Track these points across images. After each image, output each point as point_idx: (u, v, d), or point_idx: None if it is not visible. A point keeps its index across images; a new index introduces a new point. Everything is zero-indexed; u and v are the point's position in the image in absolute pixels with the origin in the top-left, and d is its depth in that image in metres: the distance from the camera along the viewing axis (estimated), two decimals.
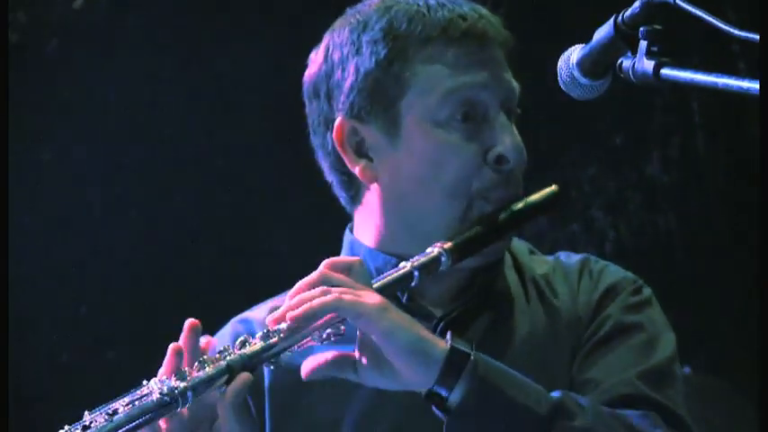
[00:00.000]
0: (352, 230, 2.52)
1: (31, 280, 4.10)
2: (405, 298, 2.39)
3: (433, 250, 2.31)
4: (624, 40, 2.04)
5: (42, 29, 4.18)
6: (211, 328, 2.48)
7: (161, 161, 4.23)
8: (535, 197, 2.44)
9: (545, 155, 4.48)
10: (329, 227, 2.61)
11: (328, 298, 2.12)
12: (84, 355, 4.05)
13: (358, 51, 2.41)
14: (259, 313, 2.47)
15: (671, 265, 4.60)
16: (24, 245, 4.05)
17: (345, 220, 2.56)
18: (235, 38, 4.24)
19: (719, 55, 4.36)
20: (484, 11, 2.44)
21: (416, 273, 2.27)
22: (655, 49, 1.99)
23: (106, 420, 2.02)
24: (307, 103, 2.52)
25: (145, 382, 2.09)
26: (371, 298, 2.14)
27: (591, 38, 2.11)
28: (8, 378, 2.72)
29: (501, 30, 2.44)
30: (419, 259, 2.29)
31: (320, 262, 2.21)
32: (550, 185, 2.47)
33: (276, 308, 2.18)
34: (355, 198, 2.48)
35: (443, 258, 2.30)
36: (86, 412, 2.04)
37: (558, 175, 4.52)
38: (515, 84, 2.44)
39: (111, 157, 4.20)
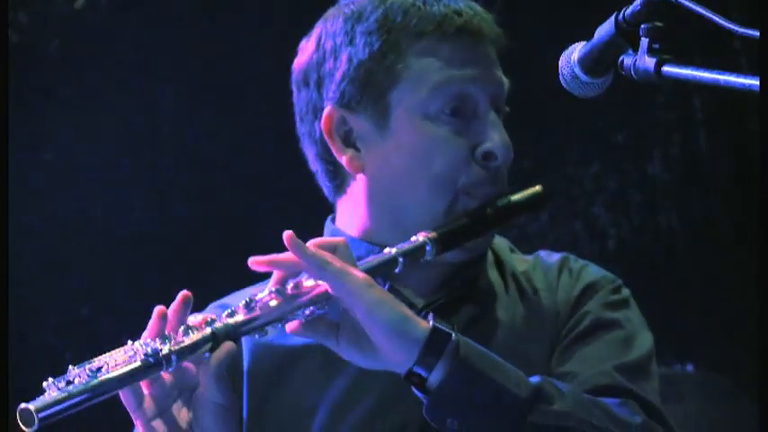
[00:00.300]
0: (333, 220, 2.52)
1: (33, 280, 4.09)
2: (386, 287, 2.39)
3: (419, 238, 2.31)
4: (625, 38, 2.04)
5: (43, 29, 4.18)
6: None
7: (161, 161, 4.23)
8: (519, 196, 2.45)
9: (547, 153, 4.48)
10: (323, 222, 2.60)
11: (318, 253, 2.13)
12: (86, 355, 4.05)
13: (351, 41, 2.42)
14: (237, 299, 2.47)
15: (673, 263, 4.60)
16: (25, 245, 4.05)
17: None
18: (235, 37, 4.24)
19: (721, 52, 4.36)
20: (479, 8, 2.46)
21: (401, 259, 2.27)
22: (656, 46, 1.98)
23: (90, 377, 2.03)
24: (295, 90, 2.52)
25: (129, 343, 2.10)
26: (357, 272, 2.15)
27: (592, 35, 2.10)
28: (8, 378, 2.73)
29: (494, 27, 2.45)
30: (404, 246, 2.29)
31: None
32: (535, 185, 2.47)
33: (254, 296, 2.18)
34: (340, 188, 2.49)
35: (428, 247, 2.31)
36: (71, 366, 2.04)
37: (559, 174, 4.54)
38: (505, 81, 2.45)
39: (112, 156, 4.20)
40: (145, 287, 4.10)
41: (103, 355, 2.08)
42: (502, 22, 2.47)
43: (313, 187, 2.59)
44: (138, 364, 2.06)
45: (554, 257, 2.53)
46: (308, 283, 2.17)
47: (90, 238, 4.19)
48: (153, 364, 2.06)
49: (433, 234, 2.32)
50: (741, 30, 1.84)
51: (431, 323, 2.14)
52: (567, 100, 2.26)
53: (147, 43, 4.20)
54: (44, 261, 4.14)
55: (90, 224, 4.19)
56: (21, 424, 1.98)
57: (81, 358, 2.11)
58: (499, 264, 2.51)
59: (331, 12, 2.49)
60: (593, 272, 2.50)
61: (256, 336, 2.16)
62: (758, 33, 1.83)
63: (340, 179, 2.48)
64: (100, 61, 4.17)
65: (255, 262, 2.16)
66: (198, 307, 2.45)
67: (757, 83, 1.81)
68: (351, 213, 2.48)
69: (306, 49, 2.50)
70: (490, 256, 2.51)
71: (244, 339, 2.38)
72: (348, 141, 2.44)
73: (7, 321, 3.18)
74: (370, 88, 2.40)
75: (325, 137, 2.44)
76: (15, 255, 3.80)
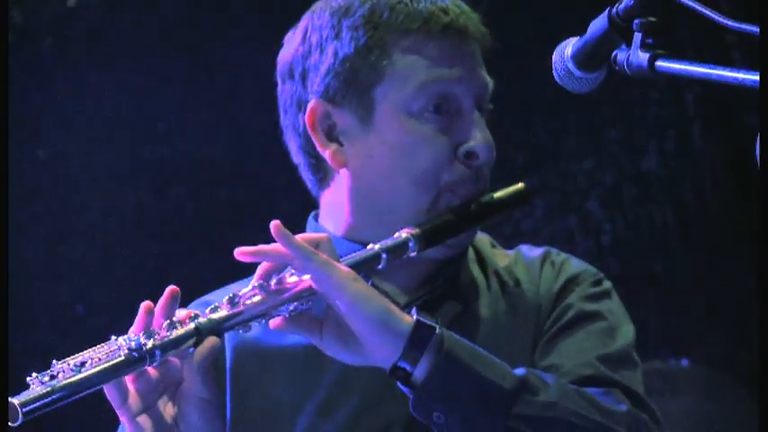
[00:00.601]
0: (316, 218, 2.52)
1: (27, 278, 4.09)
2: (368, 284, 2.39)
3: (401, 235, 2.32)
4: (619, 33, 2.04)
5: (37, 27, 4.18)
6: None
7: (157, 158, 4.23)
8: (501, 193, 2.45)
9: (541, 149, 4.48)
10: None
11: (304, 246, 2.14)
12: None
13: (338, 36, 2.42)
14: (220, 296, 2.46)
15: (667, 258, 4.61)
16: (21, 243, 4.05)
17: None
18: (232, 35, 4.23)
19: (714, 46, 4.36)
20: (465, 7, 2.46)
21: (384, 255, 2.27)
22: (649, 41, 1.98)
23: (74, 372, 2.02)
24: (279, 82, 2.52)
25: (113, 338, 2.10)
26: (342, 266, 2.16)
27: (584, 31, 2.10)
28: (7, 377, 2.72)
29: (480, 27, 2.45)
30: (387, 243, 2.29)
31: None
32: (518, 183, 2.47)
33: (235, 294, 2.18)
34: (323, 181, 2.49)
35: (411, 244, 2.31)
36: (55, 361, 2.04)
37: (554, 169, 4.54)
38: (489, 80, 2.45)
39: (107, 154, 4.20)
40: (140, 285, 4.10)
41: (88, 350, 2.08)
42: (489, 20, 2.47)
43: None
44: (121, 358, 2.06)
45: (536, 252, 2.53)
46: (291, 278, 2.17)
47: (85, 235, 4.19)
48: (137, 358, 2.06)
49: (416, 230, 2.32)
50: (734, 24, 1.85)
51: (414, 317, 2.14)
52: (561, 95, 2.26)
53: (140, 40, 4.19)
54: (38, 259, 4.14)
55: (84, 222, 4.19)
56: None
57: None
58: (481, 260, 2.52)
59: (318, 5, 2.49)
60: (575, 265, 2.50)
61: (240, 331, 2.16)
62: (753, 28, 1.83)
63: (323, 173, 2.49)
64: (94, 59, 4.17)
65: (241, 252, 2.16)
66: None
67: (750, 77, 1.81)
68: (334, 208, 2.48)
69: (292, 42, 2.50)
70: (472, 252, 2.51)
71: (226, 338, 2.39)
72: (331, 136, 2.44)
73: (7, 320, 3.17)
74: (354, 83, 2.40)
75: (309, 130, 2.44)
76: (11, 253, 3.80)
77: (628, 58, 2.01)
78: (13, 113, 3.92)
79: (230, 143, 4.25)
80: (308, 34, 2.46)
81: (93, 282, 4.16)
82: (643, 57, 1.98)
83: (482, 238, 2.55)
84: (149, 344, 2.08)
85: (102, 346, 2.09)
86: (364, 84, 2.40)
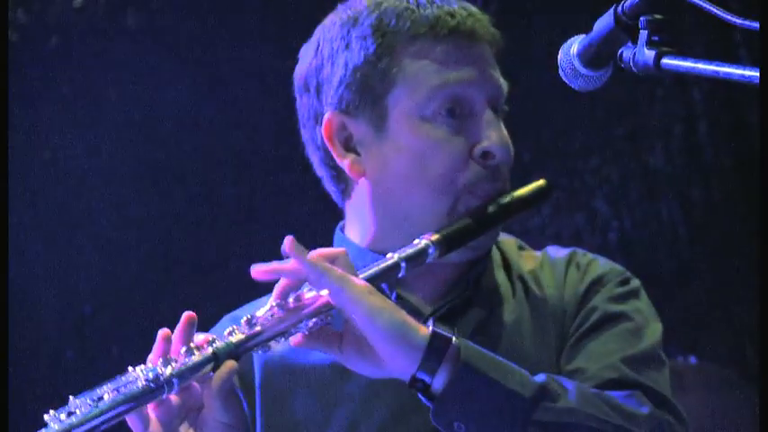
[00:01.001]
0: (342, 229, 2.53)
1: (34, 278, 4.10)
2: (393, 296, 2.40)
3: (420, 242, 2.31)
4: (625, 31, 2.04)
5: (42, 27, 4.18)
6: (214, 324, 2.49)
7: (161, 158, 4.23)
8: (522, 191, 2.44)
9: (547, 146, 4.48)
10: (331, 227, 2.61)
11: (320, 263, 2.14)
12: (88, 354, 4.06)
13: (347, 46, 2.42)
14: (249, 311, 2.46)
15: (675, 255, 4.61)
16: (26, 244, 4.05)
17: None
18: (234, 35, 4.24)
19: (720, 44, 4.36)
20: (473, 9, 2.46)
21: (403, 264, 2.27)
22: (655, 38, 1.98)
23: (91, 406, 2.02)
24: (297, 97, 2.53)
25: (131, 369, 2.09)
26: (357, 280, 2.16)
27: (591, 28, 2.10)
28: (8, 376, 2.73)
29: (489, 28, 2.45)
30: (406, 251, 2.29)
31: None
32: (539, 180, 2.46)
33: (253, 315, 2.18)
34: (345, 193, 2.49)
35: (431, 250, 2.31)
36: (71, 397, 2.04)
37: (560, 167, 4.54)
38: (503, 81, 2.45)
39: (112, 154, 4.20)
40: (146, 285, 4.11)
41: (105, 384, 2.07)
42: (498, 21, 2.47)
43: (316, 183, 2.59)
44: (139, 390, 2.06)
45: (561, 253, 2.52)
46: (309, 295, 2.18)
47: (90, 236, 4.19)
48: (154, 388, 2.06)
49: (435, 236, 2.32)
50: (740, 21, 1.84)
51: (430, 328, 2.14)
52: (567, 93, 2.26)
53: (146, 40, 4.20)
54: (44, 259, 4.14)
55: (90, 222, 4.20)
56: None
57: (82, 357, 2.11)
58: (506, 265, 2.51)
59: (329, 17, 2.50)
60: (601, 265, 2.49)
61: (260, 351, 2.16)
62: (758, 25, 1.83)
63: (344, 184, 2.49)
64: (99, 59, 4.17)
65: (258, 270, 2.17)
66: (203, 308, 2.45)
67: (757, 74, 1.81)
68: (357, 218, 2.48)
69: (305, 56, 2.51)
70: (498, 256, 2.51)
71: (255, 356, 2.39)
72: (348, 146, 2.44)
73: (8, 319, 3.18)
74: (366, 92, 2.41)
75: (326, 142, 2.45)
76: (16, 253, 3.81)
77: (634, 56, 2.01)
78: (19, 114, 3.92)
79: (236, 143, 4.26)
80: (320, 47, 2.47)
81: (100, 282, 4.16)
82: (649, 54, 1.98)
83: (508, 241, 2.55)
84: (167, 372, 2.07)
85: (120, 379, 2.08)
86: (376, 92, 2.41)
